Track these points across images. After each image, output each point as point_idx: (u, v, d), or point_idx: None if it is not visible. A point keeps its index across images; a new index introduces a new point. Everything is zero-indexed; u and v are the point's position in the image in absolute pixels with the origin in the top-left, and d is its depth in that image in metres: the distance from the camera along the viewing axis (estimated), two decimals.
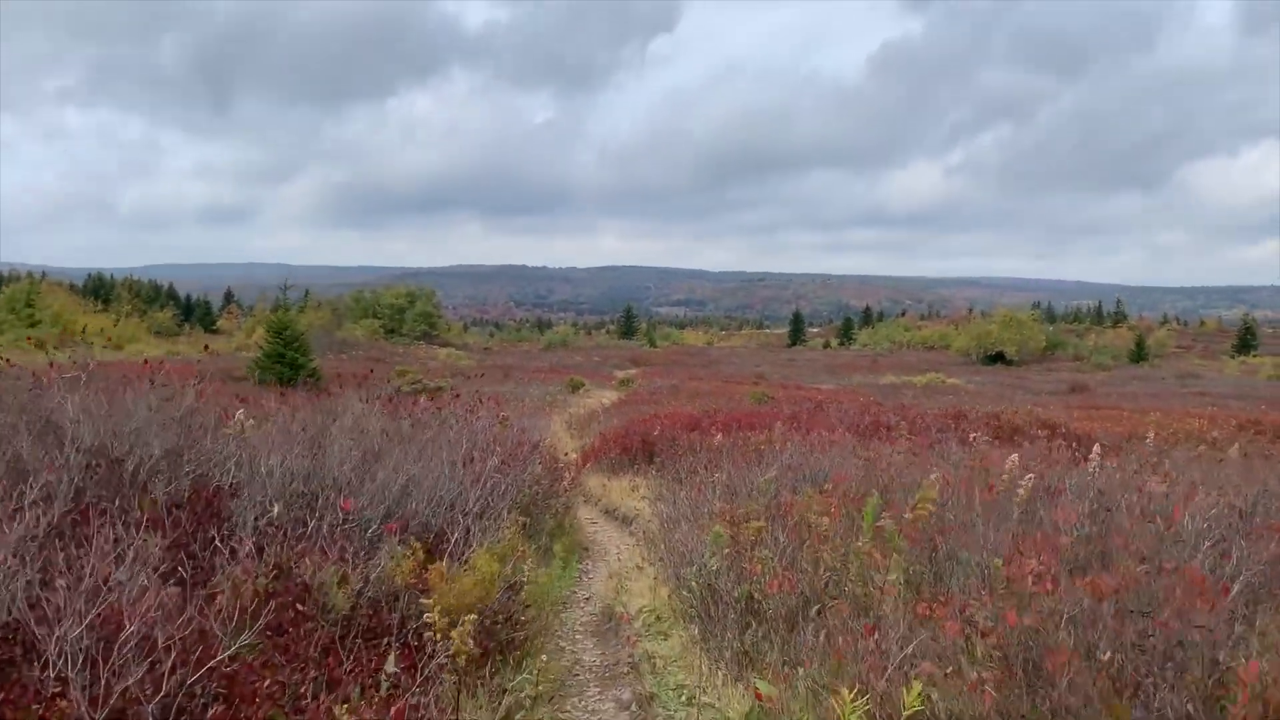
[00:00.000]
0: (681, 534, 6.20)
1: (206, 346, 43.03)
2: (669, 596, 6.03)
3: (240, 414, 7.18)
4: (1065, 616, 3.68)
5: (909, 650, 3.76)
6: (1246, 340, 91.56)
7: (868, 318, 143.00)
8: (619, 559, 8.77)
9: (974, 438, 10.30)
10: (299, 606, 4.13)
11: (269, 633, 3.85)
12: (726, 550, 5.30)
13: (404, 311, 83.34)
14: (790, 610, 4.79)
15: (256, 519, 4.92)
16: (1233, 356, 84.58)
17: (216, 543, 4.45)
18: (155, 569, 3.84)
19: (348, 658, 4.03)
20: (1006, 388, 53.35)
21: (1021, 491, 5.53)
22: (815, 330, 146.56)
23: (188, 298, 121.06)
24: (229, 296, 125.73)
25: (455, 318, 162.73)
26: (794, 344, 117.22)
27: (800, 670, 4.19)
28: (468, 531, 5.54)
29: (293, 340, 23.03)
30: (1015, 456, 6.44)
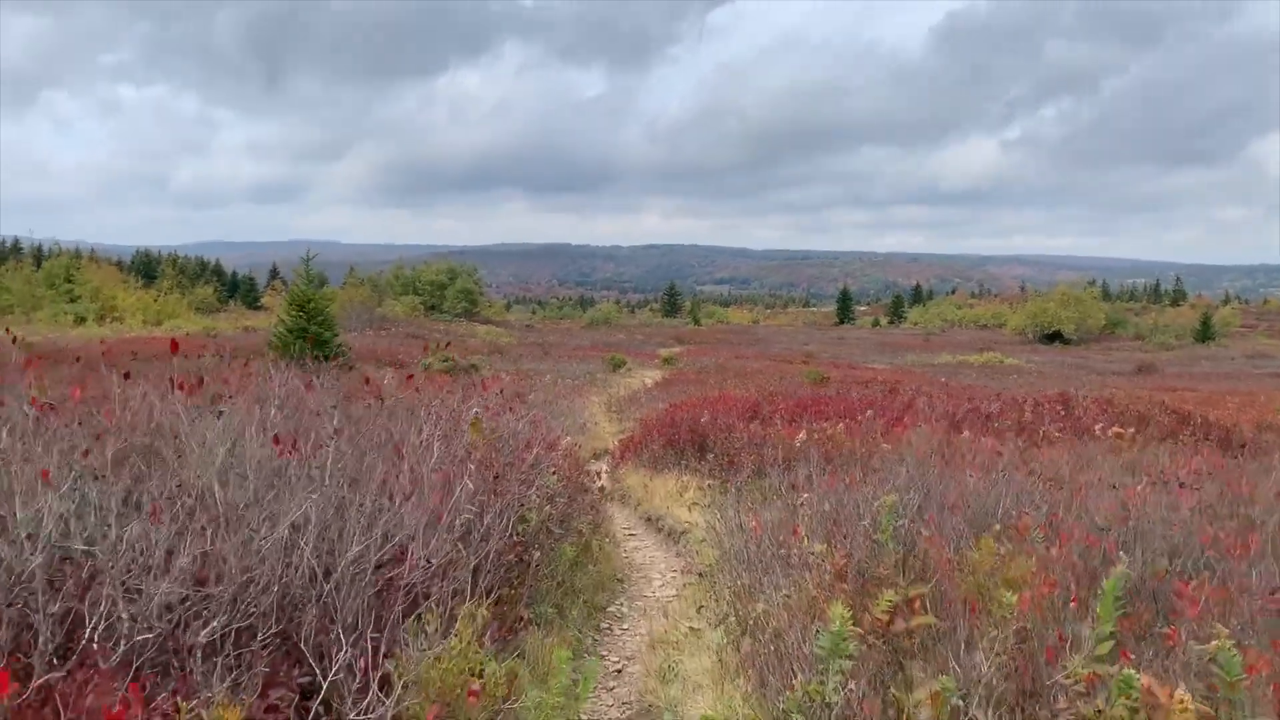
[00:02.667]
0: (766, 601, 4.23)
1: (247, 326, 41.97)
2: (744, 700, 3.71)
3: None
4: None
5: None
6: None
7: (918, 295, 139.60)
8: (663, 603, 6.62)
9: (1101, 429, 8.38)
10: None
11: None
12: (855, 648, 3.00)
13: (445, 288, 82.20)
14: None
15: None
16: None
17: None
18: None
19: None
20: (1069, 368, 51.07)
21: None
22: (863, 308, 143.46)
23: (233, 274, 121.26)
24: (274, 273, 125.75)
25: (499, 296, 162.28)
26: (842, 322, 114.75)
27: None
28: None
29: (316, 314, 21.51)
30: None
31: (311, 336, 20.48)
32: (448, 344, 28.46)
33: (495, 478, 4.26)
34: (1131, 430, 8.55)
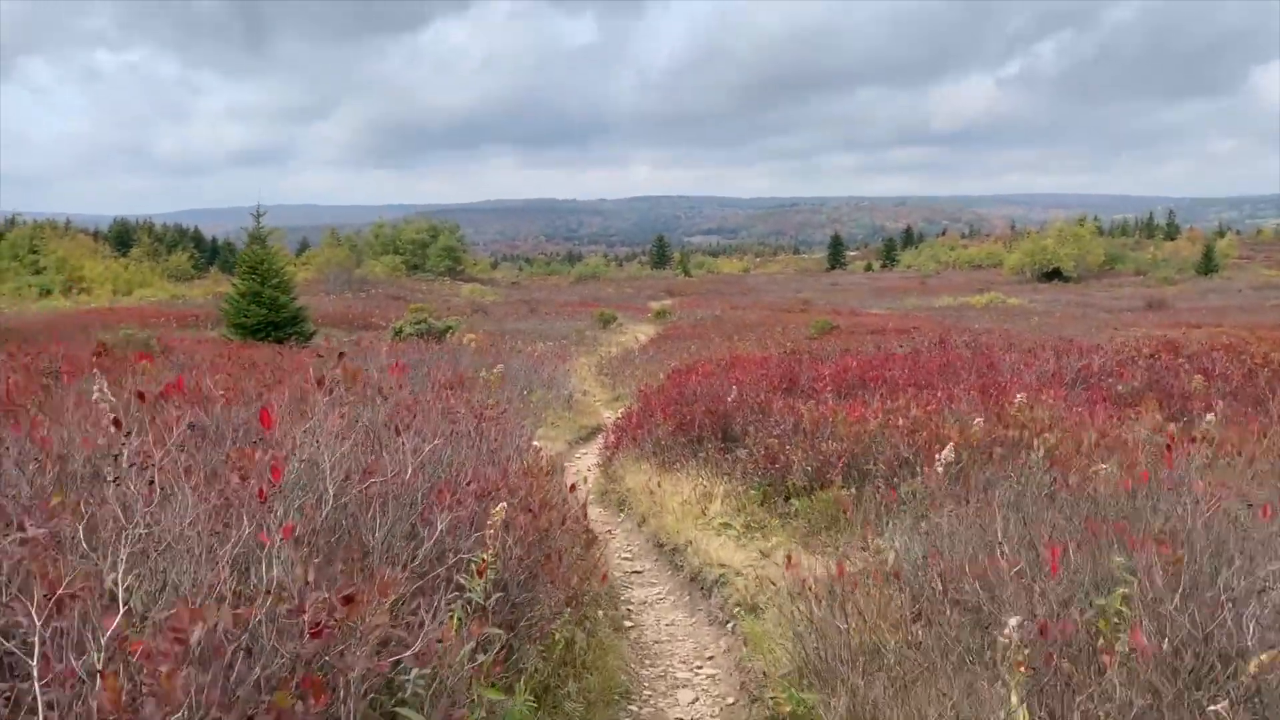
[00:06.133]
0: None
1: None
2: None
3: None
4: None
5: None
6: None
7: (909, 238, 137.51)
8: None
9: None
10: None
11: None
12: None
13: (426, 247, 79.76)
14: None
15: None
16: None
17: None
18: None
19: None
20: (1075, 306, 49.56)
21: None
22: (854, 253, 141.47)
23: (213, 240, 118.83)
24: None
25: (485, 254, 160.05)
26: (833, 268, 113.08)
27: None
28: None
29: (271, 276, 19.50)
30: None
31: (265, 300, 18.53)
32: (430, 306, 26.67)
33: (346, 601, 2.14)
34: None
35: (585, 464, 10.71)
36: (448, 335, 20.02)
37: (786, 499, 6.57)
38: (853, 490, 5.79)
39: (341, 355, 3.86)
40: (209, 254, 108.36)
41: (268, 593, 2.04)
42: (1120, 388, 8.34)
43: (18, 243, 58.65)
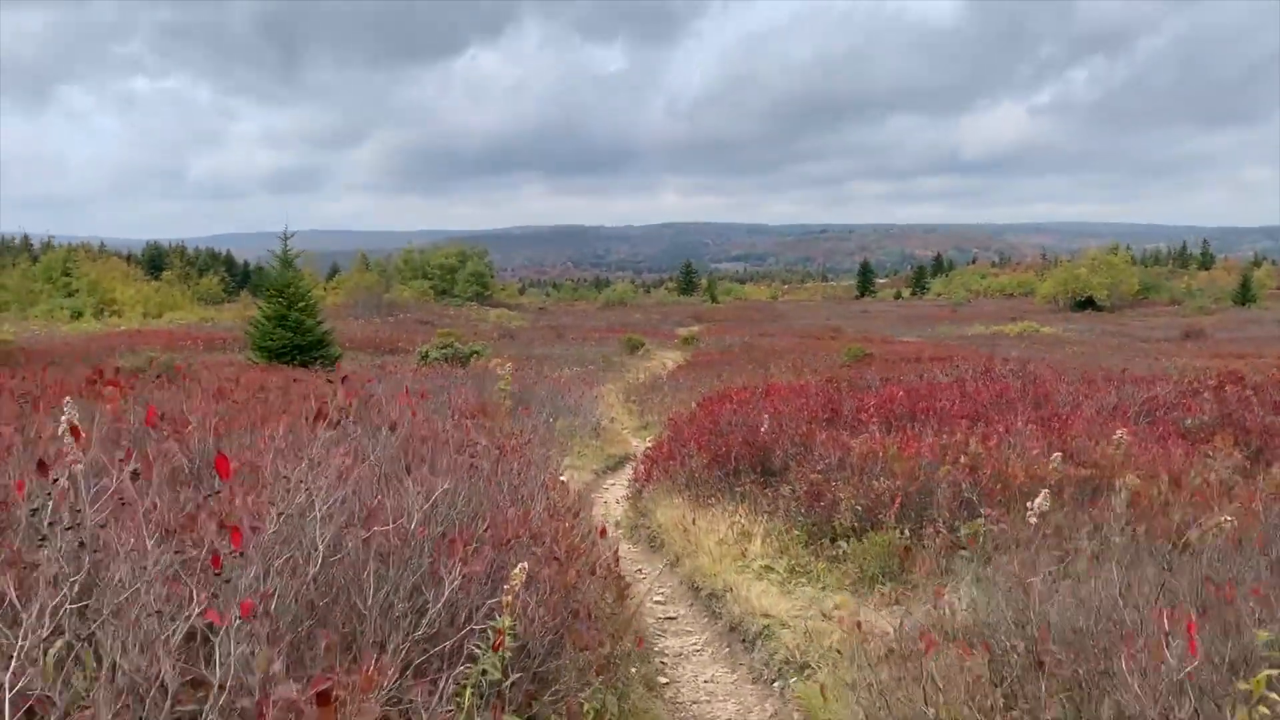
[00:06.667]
0: None
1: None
2: None
3: None
4: None
5: None
6: None
7: (939, 266, 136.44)
8: None
9: None
10: None
11: None
12: None
13: (455, 272, 79.94)
14: None
15: None
16: None
17: None
18: None
19: None
20: (1110, 336, 48.73)
21: None
22: (883, 281, 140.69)
23: (245, 264, 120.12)
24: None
25: (514, 279, 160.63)
26: (863, 295, 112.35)
27: None
28: None
29: (297, 299, 19.26)
30: None
31: (291, 324, 18.28)
32: (458, 330, 26.37)
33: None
34: None
35: (614, 495, 10.18)
36: (472, 360, 19.68)
37: (833, 540, 6.05)
38: (906, 533, 5.27)
39: (345, 379, 3.44)
40: (240, 278, 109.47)
41: (221, 688, 1.60)
42: (1189, 421, 7.77)
43: (51, 265, 59.36)
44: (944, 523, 4.87)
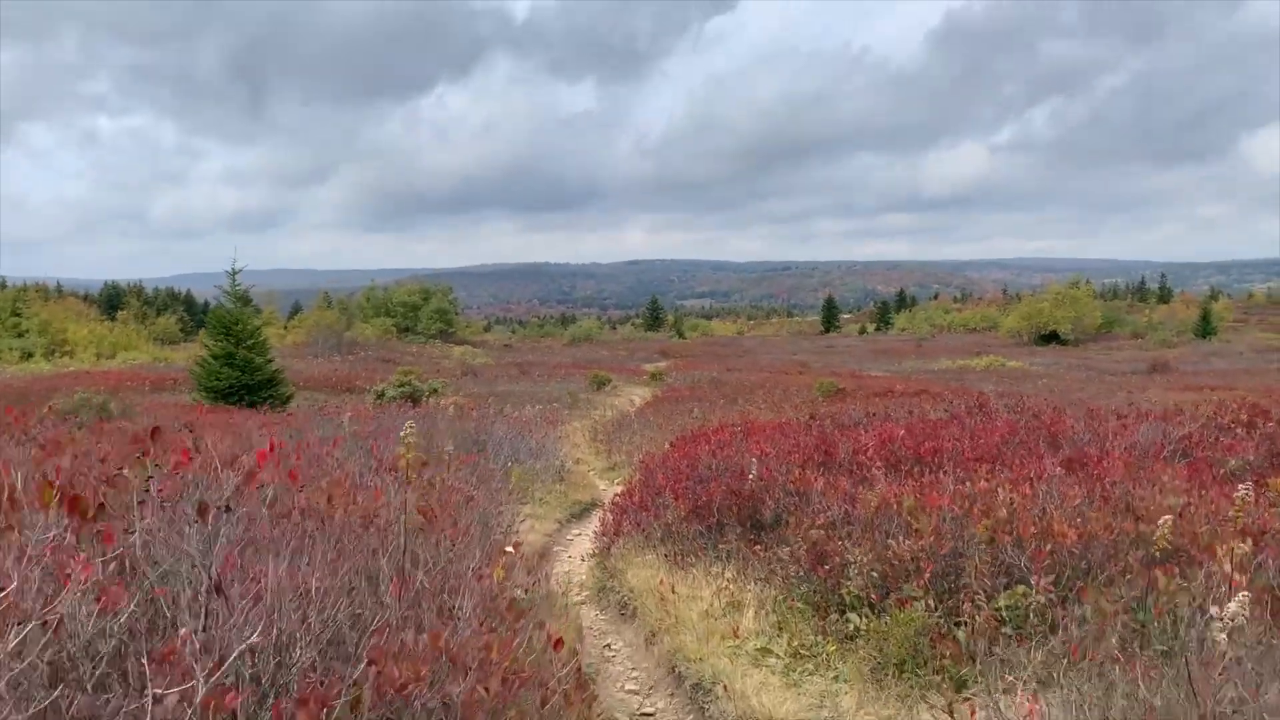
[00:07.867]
0: None
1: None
2: None
3: None
4: None
5: None
6: None
7: (902, 302, 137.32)
8: None
9: None
10: None
11: None
12: None
13: (418, 309, 78.81)
14: None
15: None
16: None
17: None
18: None
19: None
20: (1076, 369, 48.74)
21: None
22: (848, 316, 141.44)
23: (205, 304, 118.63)
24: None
25: (479, 317, 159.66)
26: (828, 330, 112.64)
27: None
28: None
29: (246, 337, 18.21)
30: None
31: (239, 363, 17.22)
32: (419, 368, 25.29)
33: None
34: None
35: (579, 549, 9.10)
36: (429, 398, 18.70)
37: (841, 612, 5.07)
38: (931, 603, 4.37)
39: (157, 430, 2.57)
40: (199, 318, 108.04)
41: None
42: (1234, 463, 6.99)
43: (0, 306, 57.64)
44: (984, 593, 4.00)
